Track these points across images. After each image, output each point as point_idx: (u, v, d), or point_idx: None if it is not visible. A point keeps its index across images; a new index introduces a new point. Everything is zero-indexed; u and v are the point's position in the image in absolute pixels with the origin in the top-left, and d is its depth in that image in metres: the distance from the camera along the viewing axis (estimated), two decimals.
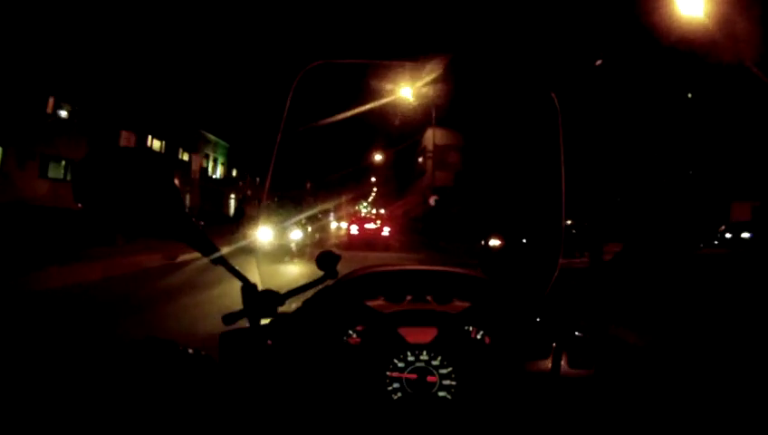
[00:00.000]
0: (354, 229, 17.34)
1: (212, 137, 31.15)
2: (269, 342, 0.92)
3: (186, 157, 27.31)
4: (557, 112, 1.22)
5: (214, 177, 31.85)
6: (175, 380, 0.74)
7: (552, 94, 1.22)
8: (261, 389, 0.85)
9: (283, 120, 1.19)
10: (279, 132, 1.21)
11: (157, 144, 23.55)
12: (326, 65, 1.23)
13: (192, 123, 26.91)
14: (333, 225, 22.28)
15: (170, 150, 24.66)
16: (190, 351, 0.80)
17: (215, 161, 33.01)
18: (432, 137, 24.03)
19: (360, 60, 1.35)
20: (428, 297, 1.19)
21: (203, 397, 0.75)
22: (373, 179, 41.89)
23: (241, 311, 0.84)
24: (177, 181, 0.72)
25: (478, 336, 1.05)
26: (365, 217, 21.30)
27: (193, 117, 26.48)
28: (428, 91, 1.82)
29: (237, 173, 37.61)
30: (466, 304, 1.10)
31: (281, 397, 0.85)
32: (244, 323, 0.84)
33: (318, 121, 2.11)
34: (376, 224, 17.93)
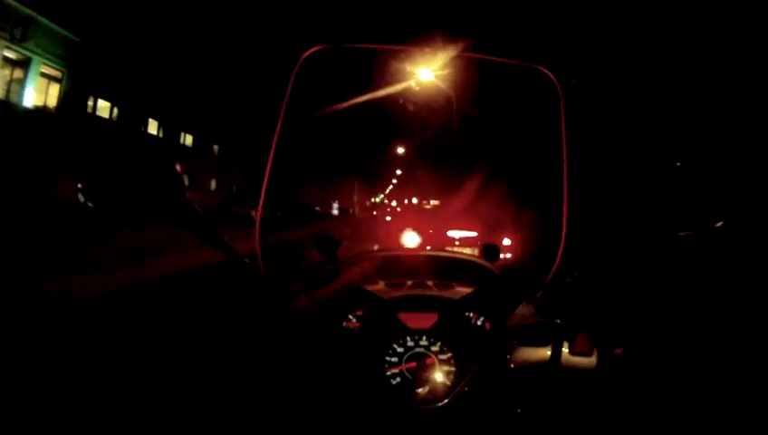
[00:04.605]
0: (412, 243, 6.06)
1: None
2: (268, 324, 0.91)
3: None
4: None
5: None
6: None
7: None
8: (261, 371, 0.83)
9: (281, 114, 1.04)
10: (278, 125, 1.04)
11: None
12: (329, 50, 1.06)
13: None
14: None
15: None
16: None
17: (19, 66, 12.91)
18: None
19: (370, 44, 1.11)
20: (429, 282, 1.18)
21: (204, 383, 0.76)
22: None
23: (243, 295, 0.87)
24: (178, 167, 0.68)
25: (479, 322, 1.05)
26: (426, 212, 9.14)
27: None
28: None
29: (121, 112, 17.33)
30: (468, 290, 1.10)
31: (279, 380, 0.83)
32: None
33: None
34: (469, 231, 6.28)
